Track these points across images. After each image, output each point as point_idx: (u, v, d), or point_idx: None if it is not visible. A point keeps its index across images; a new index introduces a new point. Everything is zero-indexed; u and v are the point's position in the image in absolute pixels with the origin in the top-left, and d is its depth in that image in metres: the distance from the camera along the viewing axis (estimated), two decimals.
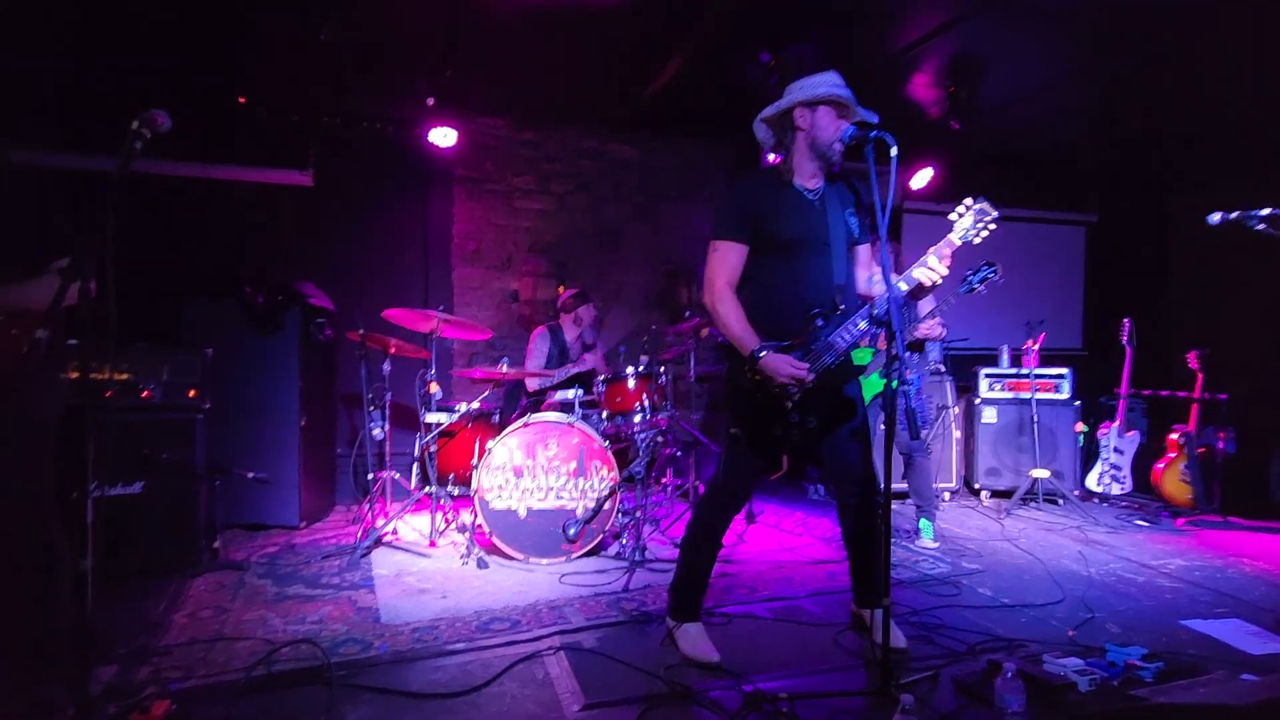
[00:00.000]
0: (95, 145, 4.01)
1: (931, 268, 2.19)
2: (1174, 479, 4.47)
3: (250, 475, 3.60)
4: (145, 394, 3.18)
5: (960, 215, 2.24)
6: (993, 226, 2.21)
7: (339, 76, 4.35)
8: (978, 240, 2.24)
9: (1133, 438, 4.75)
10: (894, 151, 2.02)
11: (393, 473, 4.01)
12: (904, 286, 2.22)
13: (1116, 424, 4.74)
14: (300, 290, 4.09)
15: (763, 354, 2.16)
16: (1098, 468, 4.77)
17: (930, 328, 3.52)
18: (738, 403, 2.30)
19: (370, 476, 3.84)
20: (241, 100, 4.43)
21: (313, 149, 4.66)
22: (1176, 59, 4.16)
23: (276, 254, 4.66)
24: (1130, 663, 2.23)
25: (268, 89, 4.54)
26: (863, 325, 2.19)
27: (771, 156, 2.38)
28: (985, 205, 2.21)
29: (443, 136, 4.63)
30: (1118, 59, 4.23)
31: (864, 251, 2.45)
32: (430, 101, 4.47)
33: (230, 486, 3.54)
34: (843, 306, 2.27)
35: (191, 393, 3.27)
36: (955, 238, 2.23)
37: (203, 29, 3.83)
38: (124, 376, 3.14)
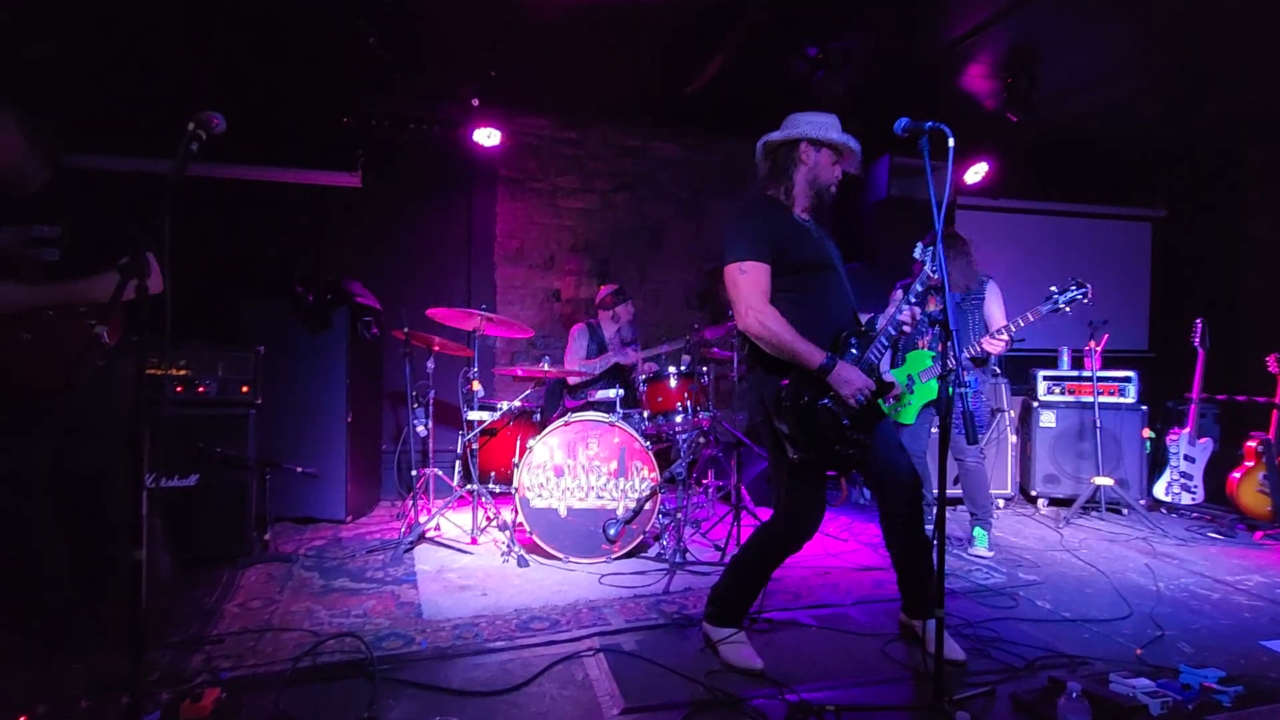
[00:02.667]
0: (155, 149, 4.17)
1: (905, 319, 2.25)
2: (1251, 489, 4.20)
3: (300, 470, 3.69)
4: (201, 389, 3.28)
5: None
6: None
7: (386, 79, 4.42)
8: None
9: (1205, 445, 4.48)
10: (951, 143, 1.95)
11: (435, 469, 4.05)
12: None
13: (1187, 430, 4.48)
14: (348, 289, 4.18)
15: (834, 363, 2.13)
16: (1166, 476, 4.51)
17: (994, 344, 3.35)
18: (799, 424, 2.15)
19: (414, 473, 3.90)
20: (293, 104, 4.54)
21: (361, 151, 4.75)
22: (1254, 39, 3.90)
23: (326, 253, 4.78)
24: (1206, 685, 2.09)
25: (318, 93, 4.66)
26: (885, 341, 2.23)
27: (759, 155, 2.41)
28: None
29: (487, 137, 4.67)
30: (1190, 41, 3.99)
31: None
32: (475, 102, 4.52)
33: (280, 480, 3.63)
34: (863, 325, 2.30)
35: (244, 389, 3.36)
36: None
37: (256, 35, 3.94)
38: (182, 372, 3.25)
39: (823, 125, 2.31)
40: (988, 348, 3.34)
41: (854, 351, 2.22)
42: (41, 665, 2.15)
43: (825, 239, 2.36)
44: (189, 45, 4.02)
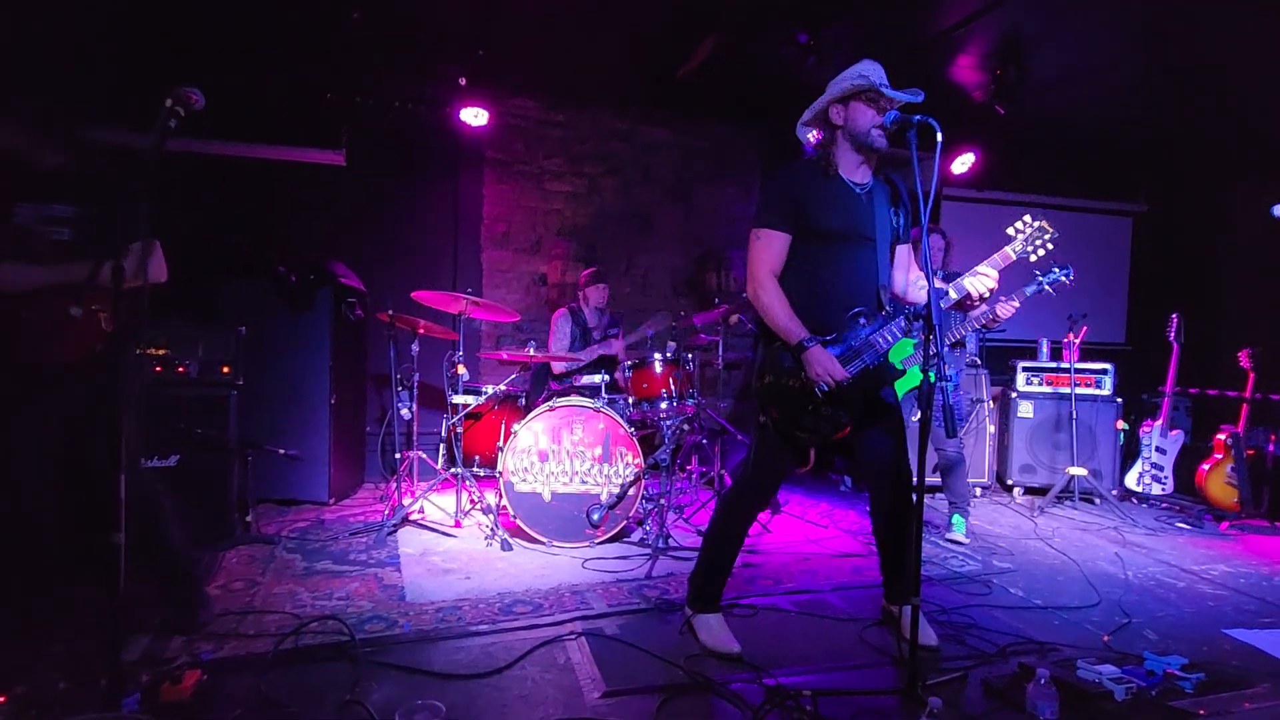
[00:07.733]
0: (133, 123, 4.06)
1: (984, 276, 2.26)
2: (1219, 481, 4.31)
3: (282, 451, 3.66)
4: (181, 369, 3.24)
5: (1018, 231, 2.34)
6: (1050, 246, 2.32)
7: (372, 56, 4.35)
8: (1033, 259, 2.35)
9: (1176, 437, 4.58)
10: (939, 138, 1.95)
11: (420, 452, 4.05)
12: (953, 295, 2.28)
13: (1160, 422, 4.58)
14: (332, 270, 4.12)
15: (810, 345, 2.13)
16: (1138, 467, 4.62)
17: (1008, 308, 3.33)
18: (768, 392, 2.26)
19: (398, 455, 3.89)
20: (275, 79, 4.43)
21: (346, 128, 4.67)
22: (1237, 36, 3.94)
23: (309, 233, 4.71)
24: (1170, 672, 2.15)
25: (302, 68, 4.55)
26: (906, 325, 2.20)
27: (812, 136, 2.34)
28: (1045, 224, 2.32)
29: (474, 116, 4.60)
30: (1180, 37, 4.01)
31: (903, 252, 2.40)
32: (462, 81, 4.45)
33: (263, 462, 3.60)
34: (888, 307, 2.26)
35: (225, 369, 3.32)
36: (1012, 251, 2.33)
37: (239, 8, 3.84)
38: (161, 352, 3.20)
39: (840, 79, 2.22)
40: (1001, 313, 3.36)
41: (863, 332, 2.20)
42: (20, 646, 2.14)
43: (878, 206, 2.26)
44: (167, 14, 3.90)
